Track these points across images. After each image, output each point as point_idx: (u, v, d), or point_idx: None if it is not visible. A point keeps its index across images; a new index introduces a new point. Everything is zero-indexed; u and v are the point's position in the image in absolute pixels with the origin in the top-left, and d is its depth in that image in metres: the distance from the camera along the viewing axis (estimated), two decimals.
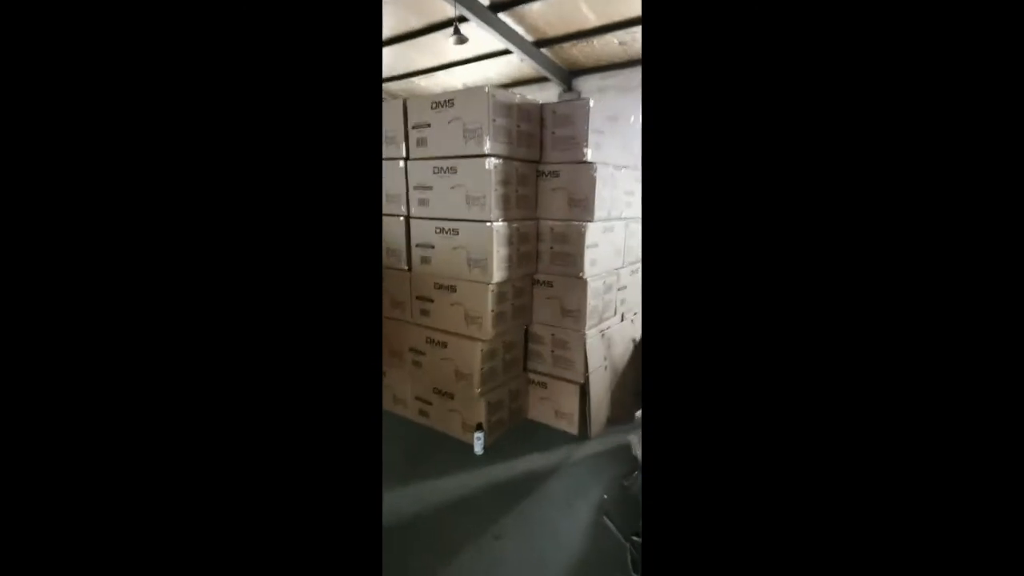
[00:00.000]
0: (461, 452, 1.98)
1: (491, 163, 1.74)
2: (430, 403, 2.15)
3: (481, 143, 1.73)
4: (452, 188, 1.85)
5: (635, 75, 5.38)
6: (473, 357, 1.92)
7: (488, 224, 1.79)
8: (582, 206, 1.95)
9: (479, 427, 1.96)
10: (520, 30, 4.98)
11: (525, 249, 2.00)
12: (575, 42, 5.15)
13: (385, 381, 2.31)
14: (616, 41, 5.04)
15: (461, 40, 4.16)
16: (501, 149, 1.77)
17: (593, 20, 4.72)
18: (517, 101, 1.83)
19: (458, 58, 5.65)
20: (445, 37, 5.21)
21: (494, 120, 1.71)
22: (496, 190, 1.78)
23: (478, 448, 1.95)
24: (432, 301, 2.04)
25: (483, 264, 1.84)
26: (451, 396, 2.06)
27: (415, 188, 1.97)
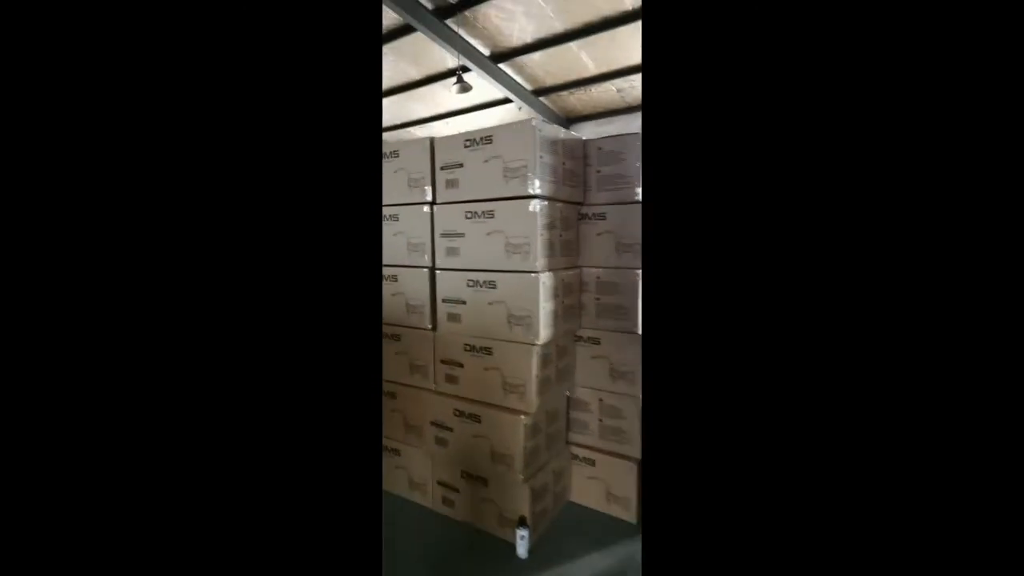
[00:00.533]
0: (499, 553, 1.60)
1: (536, 205, 1.50)
2: (456, 490, 1.78)
3: (525, 183, 1.50)
4: (488, 234, 1.60)
5: (632, 121, 5.42)
6: (514, 434, 1.60)
7: (533, 275, 1.53)
8: (634, 251, 1.71)
9: (522, 522, 1.60)
10: (519, 79, 4.99)
11: (570, 302, 1.73)
12: (573, 90, 5.19)
13: (398, 461, 1.95)
14: (614, 89, 5.09)
15: (464, 88, 4.09)
16: (547, 189, 1.54)
17: (592, 68, 4.75)
18: (562, 136, 1.63)
19: (456, 108, 5.64)
20: (444, 87, 5.20)
21: (540, 157, 1.49)
22: (541, 235, 1.53)
23: (521, 550, 1.58)
24: (461, 366, 1.72)
25: (527, 321, 1.56)
26: (484, 482, 1.70)
27: (442, 235, 1.71)
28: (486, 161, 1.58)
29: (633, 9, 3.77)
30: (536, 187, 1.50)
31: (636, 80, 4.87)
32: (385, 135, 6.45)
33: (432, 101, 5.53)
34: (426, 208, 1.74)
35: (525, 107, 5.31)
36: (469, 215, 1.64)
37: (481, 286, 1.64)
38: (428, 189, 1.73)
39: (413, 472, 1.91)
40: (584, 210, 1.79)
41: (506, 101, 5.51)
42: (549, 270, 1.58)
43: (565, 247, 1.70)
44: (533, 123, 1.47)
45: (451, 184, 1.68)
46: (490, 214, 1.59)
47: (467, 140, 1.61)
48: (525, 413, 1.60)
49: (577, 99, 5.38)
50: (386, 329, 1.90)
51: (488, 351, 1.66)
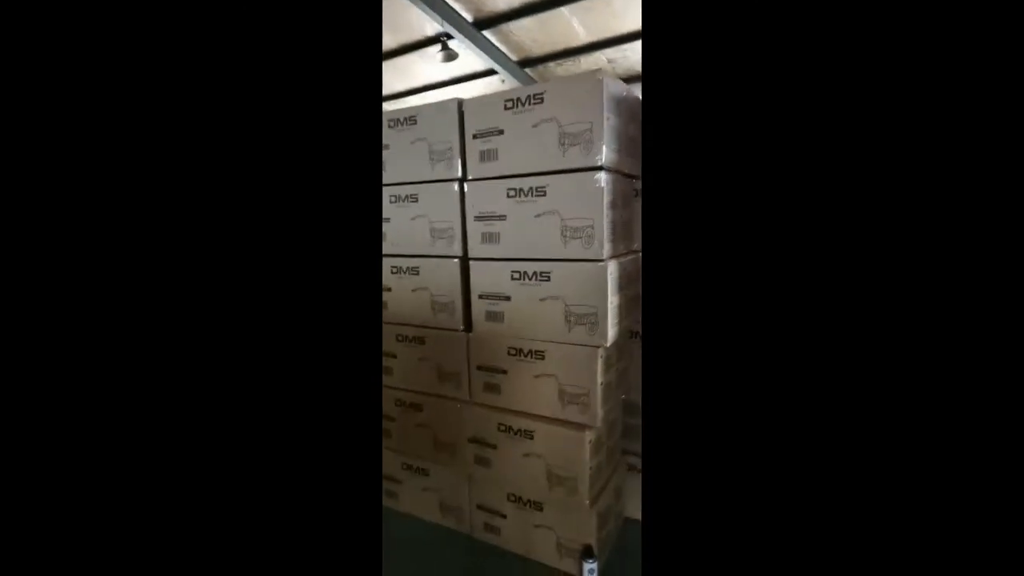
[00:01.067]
0: None
1: (603, 179, 1.24)
2: (503, 515, 1.54)
3: (590, 151, 1.23)
4: (538, 216, 1.32)
5: None
6: (578, 452, 1.36)
7: (599, 264, 1.27)
8: None
9: (588, 552, 1.37)
10: (504, 49, 4.63)
11: (631, 294, 1.49)
12: (561, 61, 4.88)
13: (427, 483, 1.67)
14: (605, 59, 4.81)
15: (450, 56, 3.71)
16: (612, 160, 1.27)
17: (583, 36, 4.45)
18: (626, 94, 1.35)
19: (434, 80, 5.21)
20: (421, 58, 4.76)
21: (607, 119, 1.22)
22: (607, 215, 1.27)
23: None
24: (504, 372, 1.46)
25: (591, 320, 1.30)
26: (538, 507, 1.46)
27: (477, 218, 1.42)
28: (535, 126, 1.29)
29: None
30: (603, 156, 1.22)
31: (629, 49, 4.61)
32: None
33: (408, 72, 5.08)
34: (455, 186, 1.44)
35: (509, 79, 4.96)
36: (512, 193, 1.35)
37: (530, 278, 1.36)
38: (457, 163, 1.43)
39: (445, 495, 1.64)
40: (638, 184, 1.53)
41: (489, 73, 5.13)
42: (614, 257, 1.33)
43: (624, 230, 1.44)
44: (599, 76, 1.19)
45: (487, 156, 1.38)
46: (541, 191, 1.31)
47: (508, 100, 1.31)
48: (589, 427, 1.36)
49: (565, 70, 5.07)
50: (407, 331, 1.60)
51: (540, 355, 1.39)
